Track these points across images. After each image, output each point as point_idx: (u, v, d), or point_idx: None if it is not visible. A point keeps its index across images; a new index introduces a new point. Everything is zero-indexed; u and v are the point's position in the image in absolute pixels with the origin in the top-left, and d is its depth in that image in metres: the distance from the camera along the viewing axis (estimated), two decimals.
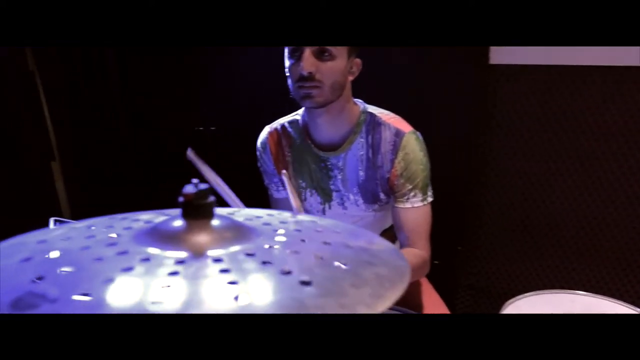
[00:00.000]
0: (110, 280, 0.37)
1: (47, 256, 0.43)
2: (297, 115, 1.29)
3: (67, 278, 0.38)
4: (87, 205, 2.06)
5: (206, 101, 2.03)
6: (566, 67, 1.72)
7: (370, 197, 1.25)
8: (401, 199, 1.20)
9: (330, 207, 1.29)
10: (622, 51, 1.64)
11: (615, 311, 1.10)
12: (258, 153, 1.32)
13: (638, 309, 1.10)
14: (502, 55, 1.75)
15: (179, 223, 0.46)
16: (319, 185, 1.27)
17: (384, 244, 0.50)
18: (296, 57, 1.10)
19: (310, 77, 1.08)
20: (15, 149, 1.80)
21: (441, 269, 1.61)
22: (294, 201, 1.02)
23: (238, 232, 0.46)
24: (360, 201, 1.26)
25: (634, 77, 1.65)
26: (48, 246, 0.47)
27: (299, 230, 0.49)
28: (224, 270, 0.38)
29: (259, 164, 1.34)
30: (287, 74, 1.15)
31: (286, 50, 1.13)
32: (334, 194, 1.27)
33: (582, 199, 1.81)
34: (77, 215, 2.05)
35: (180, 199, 0.45)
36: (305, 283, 0.36)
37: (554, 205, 1.85)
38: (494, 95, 1.80)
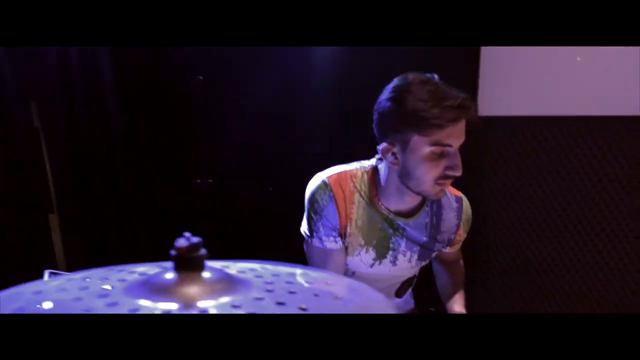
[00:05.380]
0: None
1: (39, 306, 0.44)
2: (361, 171, 1.25)
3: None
4: (84, 258, 2.06)
5: (204, 153, 2.08)
6: (555, 118, 1.79)
7: (425, 256, 1.34)
8: (457, 245, 1.39)
9: (380, 264, 1.31)
10: (604, 101, 1.71)
11: None
12: (318, 205, 1.21)
13: None
14: (489, 107, 1.83)
15: (170, 275, 0.47)
16: (380, 243, 1.27)
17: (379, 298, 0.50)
18: (441, 155, 1.07)
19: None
20: (15, 201, 1.83)
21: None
22: None
23: (229, 284, 0.47)
24: (415, 258, 1.32)
25: (621, 127, 1.73)
26: (43, 297, 0.48)
27: (290, 282, 0.50)
28: None
29: (314, 215, 1.23)
30: (418, 171, 1.09)
31: (426, 150, 1.06)
32: (390, 252, 1.29)
33: (574, 240, 1.86)
34: (73, 269, 2.05)
35: (173, 252, 0.47)
36: None
37: (551, 247, 1.87)
38: (485, 145, 1.86)
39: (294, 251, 1.41)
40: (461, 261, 1.48)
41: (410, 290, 1.50)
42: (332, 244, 1.25)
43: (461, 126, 1.07)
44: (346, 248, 1.27)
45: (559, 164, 1.80)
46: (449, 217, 1.31)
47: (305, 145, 1.91)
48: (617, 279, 1.83)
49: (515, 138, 1.84)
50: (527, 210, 1.87)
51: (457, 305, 1.36)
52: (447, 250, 1.38)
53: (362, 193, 1.24)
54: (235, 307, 0.42)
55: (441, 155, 1.08)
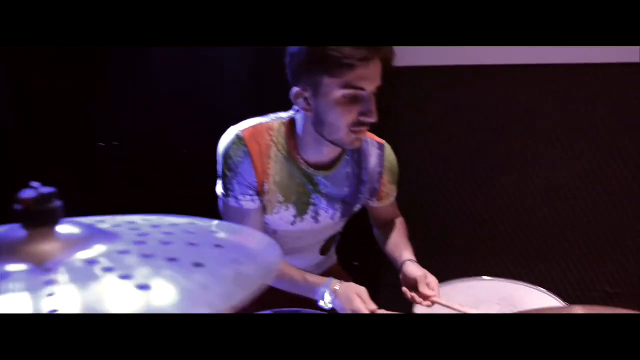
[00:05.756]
0: None
1: None
2: (278, 123, 1.19)
3: None
4: None
5: (108, 114, 1.93)
6: (466, 67, 1.81)
7: (348, 211, 1.28)
8: (387, 199, 1.33)
9: (302, 220, 1.24)
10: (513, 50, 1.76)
11: (532, 296, 1.15)
12: (232, 161, 1.15)
13: (552, 296, 1.14)
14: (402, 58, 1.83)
15: (19, 233, 0.40)
16: (300, 199, 1.22)
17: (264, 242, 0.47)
18: (354, 99, 1.03)
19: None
20: None
21: (362, 270, 1.63)
22: None
23: (90, 239, 0.41)
24: (337, 215, 1.26)
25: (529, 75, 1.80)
26: None
27: (169, 233, 0.45)
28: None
29: (229, 173, 1.16)
30: (330, 116, 1.06)
31: (338, 94, 1.02)
32: (310, 208, 1.23)
33: (488, 189, 1.93)
34: None
35: (17, 206, 0.39)
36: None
37: (467, 196, 1.94)
38: (400, 97, 1.87)
39: (212, 215, 1.34)
40: (400, 218, 1.43)
41: (334, 247, 1.48)
42: (249, 203, 1.18)
43: (375, 68, 1.03)
44: (265, 207, 1.21)
45: (471, 113, 1.86)
46: (371, 165, 1.26)
47: (221, 102, 1.83)
48: (533, 222, 1.92)
49: (425, 88, 1.87)
50: (443, 160, 1.92)
51: (406, 252, 1.30)
52: (376, 205, 1.33)
53: (280, 146, 1.17)
54: (91, 262, 0.36)
55: (354, 100, 1.03)
